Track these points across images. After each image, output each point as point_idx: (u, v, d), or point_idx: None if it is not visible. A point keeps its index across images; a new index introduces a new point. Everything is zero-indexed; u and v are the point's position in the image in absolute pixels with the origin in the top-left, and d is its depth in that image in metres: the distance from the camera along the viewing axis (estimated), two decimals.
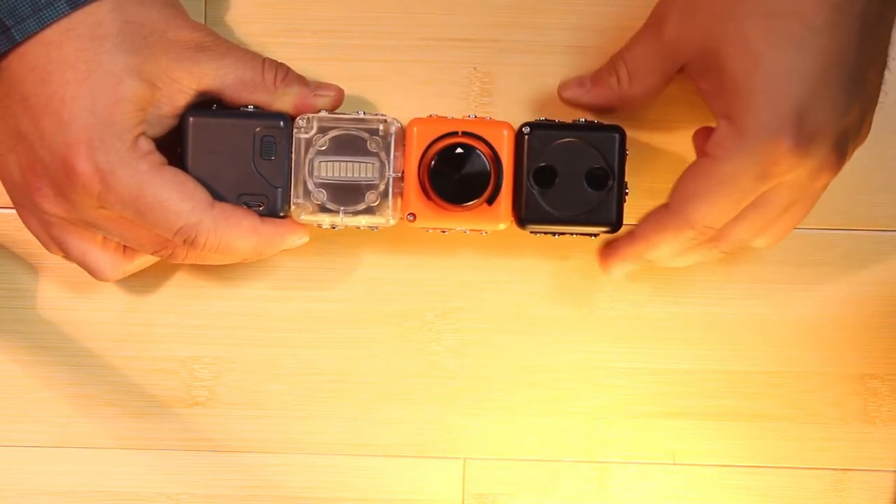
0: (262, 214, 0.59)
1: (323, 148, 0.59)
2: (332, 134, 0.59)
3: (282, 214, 0.59)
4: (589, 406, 0.66)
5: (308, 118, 0.59)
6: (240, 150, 0.59)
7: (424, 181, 0.59)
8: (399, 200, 0.59)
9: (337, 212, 0.59)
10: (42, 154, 0.56)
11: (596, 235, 0.61)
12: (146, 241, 0.58)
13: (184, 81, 0.57)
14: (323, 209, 0.59)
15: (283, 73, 0.60)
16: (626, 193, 0.59)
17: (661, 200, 0.58)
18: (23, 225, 0.60)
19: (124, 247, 0.60)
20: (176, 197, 0.56)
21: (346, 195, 0.59)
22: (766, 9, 0.54)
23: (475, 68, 0.64)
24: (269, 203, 0.59)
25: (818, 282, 0.66)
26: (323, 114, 0.59)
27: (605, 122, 0.60)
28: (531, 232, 0.60)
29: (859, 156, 0.58)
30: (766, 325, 0.66)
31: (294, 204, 0.59)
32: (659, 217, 0.59)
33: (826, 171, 0.56)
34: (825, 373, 0.66)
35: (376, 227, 0.60)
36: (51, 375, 0.65)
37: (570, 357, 0.66)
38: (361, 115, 0.59)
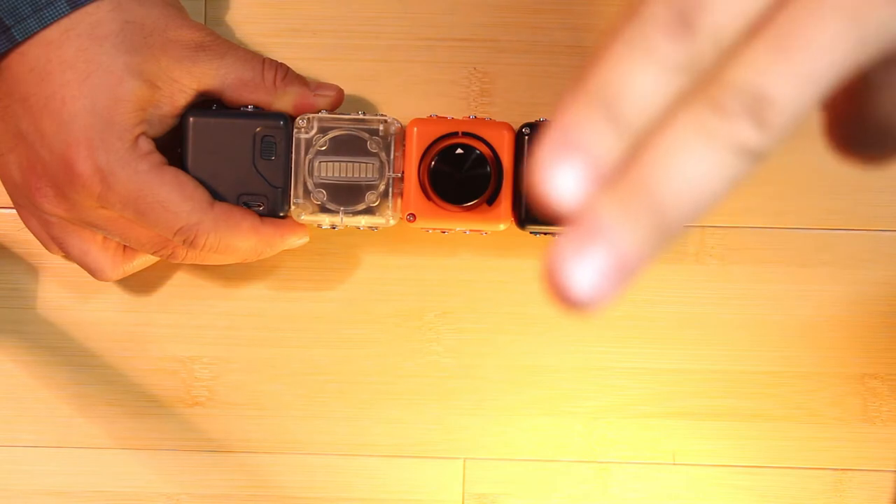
0: (262, 214, 0.59)
1: (323, 148, 0.59)
2: (332, 134, 0.59)
3: (282, 214, 0.59)
4: (589, 406, 0.66)
5: (308, 118, 0.59)
6: (240, 150, 0.59)
7: (424, 181, 0.59)
8: (399, 201, 0.59)
9: (337, 212, 0.59)
10: (42, 154, 0.56)
11: None
12: (146, 241, 0.58)
13: (184, 81, 0.57)
14: (323, 209, 0.59)
15: (284, 72, 0.60)
16: None
17: None
18: (23, 225, 0.60)
19: (124, 247, 0.60)
20: (176, 197, 0.56)
21: (346, 195, 0.59)
22: None
23: (475, 68, 0.64)
24: (269, 203, 0.59)
25: (818, 282, 0.65)
26: (323, 114, 0.59)
27: None
28: (531, 232, 0.60)
29: None
30: (766, 325, 0.66)
31: (294, 204, 0.59)
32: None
33: None
34: (825, 373, 0.66)
35: (376, 228, 0.60)
36: (51, 375, 0.65)
37: (570, 357, 0.65)
38: (361, 116, 0.59)
